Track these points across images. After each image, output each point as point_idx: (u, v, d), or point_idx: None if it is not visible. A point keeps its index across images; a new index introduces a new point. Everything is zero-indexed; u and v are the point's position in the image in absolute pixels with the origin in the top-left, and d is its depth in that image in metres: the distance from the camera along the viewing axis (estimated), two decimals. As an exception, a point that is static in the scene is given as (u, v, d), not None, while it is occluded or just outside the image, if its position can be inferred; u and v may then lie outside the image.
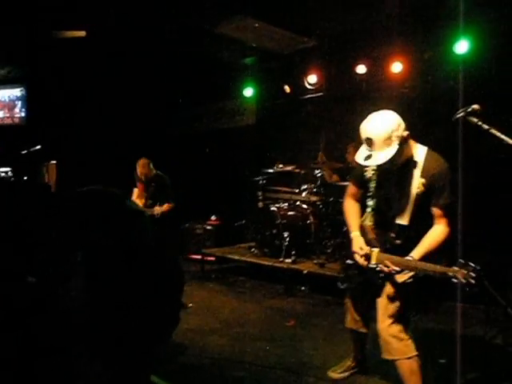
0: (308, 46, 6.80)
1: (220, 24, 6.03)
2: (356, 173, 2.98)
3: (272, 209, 6.02)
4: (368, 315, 3.01)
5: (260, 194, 6.58)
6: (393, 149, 2.51)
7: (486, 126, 2.31)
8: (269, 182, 6.68)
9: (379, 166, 2.67)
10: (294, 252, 5.69)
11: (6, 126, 9.19)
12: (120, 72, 7.13)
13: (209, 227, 7.33)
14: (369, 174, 2.82)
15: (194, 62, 7.30)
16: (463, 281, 2.16)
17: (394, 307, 2.65)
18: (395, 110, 6.24)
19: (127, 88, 7.66)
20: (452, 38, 5.53)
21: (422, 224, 2.63)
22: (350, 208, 2.95)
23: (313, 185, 6.02)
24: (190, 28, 5.93)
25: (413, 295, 2.73)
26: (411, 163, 2.63)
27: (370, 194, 2.83)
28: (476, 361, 3.79)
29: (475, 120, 2.35)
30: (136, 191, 5.67)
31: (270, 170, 6.50)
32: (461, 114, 2.38)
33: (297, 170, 6.33)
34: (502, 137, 2.25)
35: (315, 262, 5.50)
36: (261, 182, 6.58)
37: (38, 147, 6.21)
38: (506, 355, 3.83)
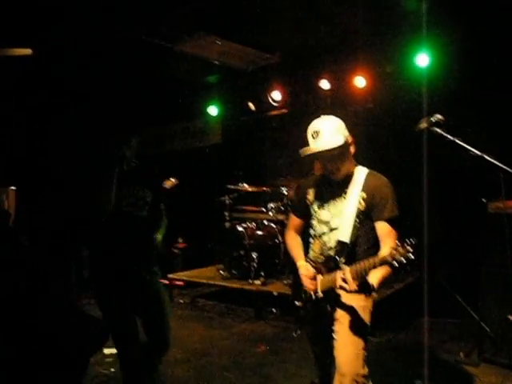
0: (271, 63, 6.72)
1: (180, 42, 5.88)
2: (297, 200, 2.86)
3: (239, 229, 5.84)
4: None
5: (227, 214, 6.40)
6: (340, 140, 2.42)
7: (450, 137, 2.21)
8: (235, 201, 6.51)
9: (321, 177, 2.65)
10: (263, 273, 5.51)
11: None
12: (78, 92, 6.89)
13: (176, 250, 7.08)
14: (310, 196, 2.69)
15: (157, 81, 7.13)
16: (403, 260, 2.00)
17: (355, 335, 2.44)
18: (361, 124, 6.26)
19: (86, 108, 7.40)
20: (413, 52, 5.54)
21: (364, 242, 2.50)
22: (292, 240, 2.82)
23: (279, 203, 5.88)
24: (149, 46, 5.76)
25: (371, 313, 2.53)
26: (352, 179, 2.53)
27: (312, 218, 2.67)
28: (453, 380, 3.68)
29: (439, 131, 2.25)
30: None
31: (237, 189, 6.33)
32: (423, 125, 2.28)
33: (263, 189, 6.18)
34: (468, 147, 2.15)
35: (285, 282, 5.31)
36: (227, 201, 6.40)
37: None
38: (482, 372, 3.71)
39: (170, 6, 5.02)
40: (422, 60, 5.48)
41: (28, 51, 3.68)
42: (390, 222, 2.43)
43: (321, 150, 2.41)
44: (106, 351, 4.29)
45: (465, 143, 2.21)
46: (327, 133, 2.42)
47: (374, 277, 2.31)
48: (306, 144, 2.51)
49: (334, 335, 2.49)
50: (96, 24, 4.53)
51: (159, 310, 3.12)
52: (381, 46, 5.79)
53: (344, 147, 2.45)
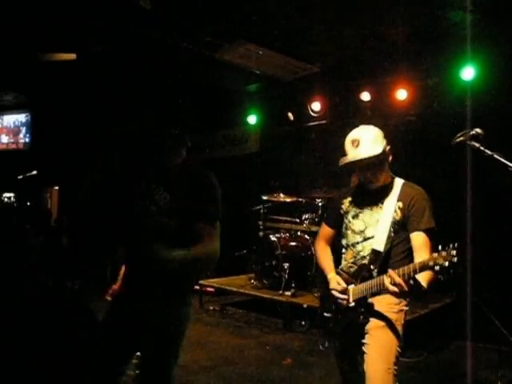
0: (312, 73, 6.69)
1: (221, 50, 5.95)
2: (331, 209, 2.84)
3: (272, 239, 5.80)
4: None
5: (261, 223, 6.37)
6: (379, 149, 2.39)
7: (488, 152, 2.10)
8: (270, 210, 6.48)
9: (357, 189, 2.60)
10: (293, 284, 5.43)
11: (11, 151, 9.19)
12: (121, 98, 7.08)
13: (209, 257, 7.10)
14: (345, 206, 2.65)
15: (197, 90, 7.21)
16: (446, 264, 1.92)
17: (386, 349, 2.37)
18: (401, 138, 6.12)
19: (129, 115, 7.58)
20: (458, 64, 5.40)
21: (398, 253, 2.42)
22: (322, 251, 2.77)
23: (314, 214, 5.80)
24: (191, 54, 5.85)
25: (405, 327, 2.43)
26: (388, 189, 2.50)
27: (346, 228, 2.62)
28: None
29: (477, 145, 2.14)
30: None
31: (272, 199, 6.30)
32: (460, 139, 2.18)
33: (299, 200, 6.12)
34: (507, 163, 2.04)
35: (316, 295, 5.22)
36: (262, 210, 6.38)
37: (34, 172, 6.12)
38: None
39: (211, 15, 5.10)
40: (468, 73, 5.32)
41: (72, 56, 3.81)
42: (427, 233, 2.35)
43: (361, 158, 2.39)
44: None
45: (505, 159, 2.11)
46: (367, 141, 2.41)
47: (422, 278, 2.21)
48: (344, 154, 2.49)
49: (364, 349, 2.42)
50: (139, 33, 4.64)
51: (157, 356, 2.15)
52: (424, 59, 5.66)
53: (383, 156, 2.43)
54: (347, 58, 6.13)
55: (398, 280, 2.13)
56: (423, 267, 2.04)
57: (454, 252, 1.93)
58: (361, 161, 2.40)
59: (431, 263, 1.99)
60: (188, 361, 4.22)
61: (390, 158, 2.51)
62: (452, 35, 5.11)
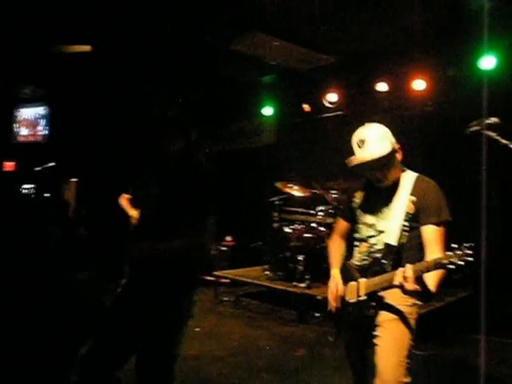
0: (328, 64, 6.62)
1: (236, 41, 5.92)
2: (344, 205, 2.82)
3: (286, 230, 5.80)
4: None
5: (276, 214, 6.36)
6: (386, 148, 2.35)
7: (504, 141, 2.06)
8: (285, 202, 6.47)
9: (369, 184, 2.54)
10: (308, 276, 5.42)
11: (30, 143, 9.32)
12: (138, 91, 7.12)
13: (224, 248, 7.13)
14: (357, 200, 2.62)
15: (212, 81, 7.22)
16: (461, 263, 1.90)
17: (398, 342, 2.35)
18: (418, 129, 6.03)
19: (145, 108, 7.62)
20: (477, 54, 5.27)
21: (412, 248, 2.39)
22: (334, 246, 2.76)
23: (329, 206, 5.77)
24: (205, 45, 5.84)
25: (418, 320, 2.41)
26: (400, 184, 2.46)
27: (358, 222, 2.60)
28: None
29: (492, 134, 2.10)
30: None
31: (287, 190, 6.28)
32: (475, 128, 2.14)
33: (313, 191, 6.09)
34: (523, 153, 1.99)
35: (330, 288, 5.20)
36: (277, 202, 6.36)
37: (52, 164, 6.19)
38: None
39: (226, 6, 5.07)
40: (488, 62, 5.19)
41: (87, 48, 3.84)
42: (440, 226, 2.32)
43: (368, 159, 2.35)
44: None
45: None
46: (373, 141, 2.37)
47: (430, 281, 2.20)
48: (352, 153, 2.46)
49: (375, 341, 2.40)
50: (153, 24, 4.65)
51: (154, 348, 2.20)
52: (442, 48, 5.55)
53: (391, 155, 2.39)
54: (363, 48, 6.04)
55: (410, 275, 2.10)
56: (437, 265, 2.01)
57: (470, 251, 1.90)
58: (368, 162, 2.36)
59: (445, 261, 1.96)
60: (201, 351, 4.27)
61: (399, 154, 2.46)
62: (471, 24, 4.98)
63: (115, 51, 5.12)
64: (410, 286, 2.12)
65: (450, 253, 1.96)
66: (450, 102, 5.66)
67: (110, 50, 4.67)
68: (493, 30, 4.72)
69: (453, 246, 1.97)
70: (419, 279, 2.13)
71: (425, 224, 2.35)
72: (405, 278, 2.14)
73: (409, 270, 2.12)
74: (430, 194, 2.38)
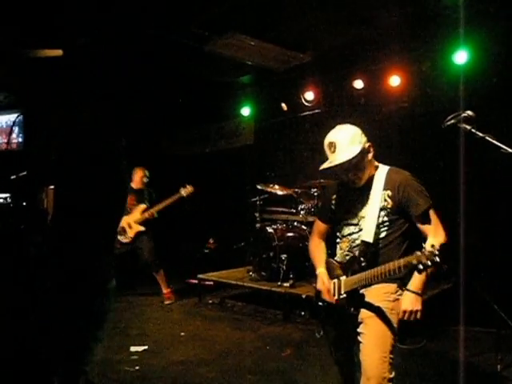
0: (304, 63, 6.63)
1: (212, 42, 5.88)
2: (322, 206, 2.87)
3: (269, 230, 5.78)
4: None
5: (257, 215, 6.34)
6: (356, 148, 2.39)
7: (480, 134, 2.08)
8: (267, 202, 6.45)
9: (342, 184, 2.58)
10: (292, 275, 5.41)
11: (3, 151, 9.11)
12: (115, 95, 7.02)
13: (207, 250, 7.09)
14: (335, 200, 2.65)
15: (189, 82, 7.17)
16: (429, 263, 1.94)
17: (381, 338, 2.37)
18: (396, 125, 6.07)
19: (124, 110, 7.53)
20: (451, 49, 5.35)
21: (390, 243, 2.43)
22: (315, 246, 2.78)
23: (310, 204, 5.77)
24: (181, 46, 5.79)
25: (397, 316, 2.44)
26: (374, 180, 2.49)
27: (338, 221, 2.63)
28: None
29: (468, 127, 2.12)
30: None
31: (268, 190, 6.26)
32: (451, 121, 2.15)
33: (294, 190, 6.08)
34: (499, 144, 2.01)
35: (314, 285, 5.18)
36: (258, 202, 6.35)
37: (24, 173, 6.05)
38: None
39: (201, 6, 5.03)
40: (460, 57, 5.27)
41: (59, 52, 3.73)
42: (429, 210, 2.37)
43: (336, 163, 2.40)
44: (132, 349, 4.33)
45: (498, 141, 2.08)
46: (342, 145, 2.40)
47: (416, 283, 2.33)
48: (325, 156, 2.49)
49: (359, 338, 2.43)
50: (127, 25, 4.59)
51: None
52: (416, 44, 5.61)
53: (361, 155, 2.43)
54: (339, 45, 6.06)
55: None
56: (407, 265, 2.07)
57: (437, 252, 1.94)
58: (337, 166, 2.40)
59: (415, 262, 2.00)
60: (187, 355, 4.23)
61: (371, 154, 2.49)
62: (444, 19, 5.05)
63: (88, 54, 5.02)
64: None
65: (418, 253, 1.99)
66: (426, 97, 5.73)
67: (82, 53, 4.57)
68: (465, 25, 4.81)
69: (423, 245, 2.02)
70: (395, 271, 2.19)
71: (416, 214, 2.38)
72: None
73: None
74: (407, 186, 2.41)
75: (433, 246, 1.98)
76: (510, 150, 1.97)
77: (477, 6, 4.69)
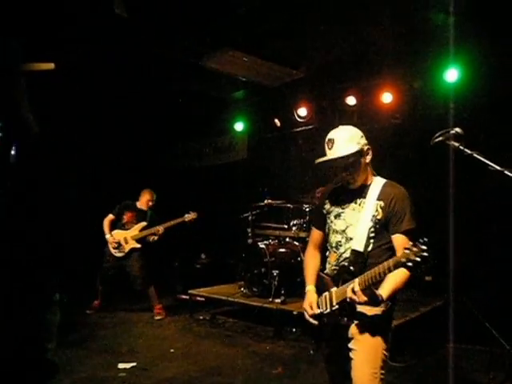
0: (297, 79, 6.69)
1: (206, 57, 5.92)
2: (316, 212, 2.83)
3: (260, 246, 5.75)
4: None
5: (249, 230, 6.32)
6: (353, 147, 2.39)
7: (468, 151, 2.09)
8: (258, 217, 6.43)
9: (336, 187, 2.59)
10: (283, 291, 5.37)
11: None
12: (107, 108, 7.02)
13: (198, 266, 7.04)
14: (327, 206, 2.63)
15: (182, 98, 7.20)
16: (417, 259, 1.93)
17: (372, 354, 2.34)
18: (388, 141, 6.09)
19: (117, 125, 7.54)
20: (442, 67, 5.41)
21: (380, 253, 2.40)
22: (309, 259, 2.74)
23: (302, 220, 5.76)
24: (174, 62, 5.83)
25: (389, 327, 2.43)
26: (369, 188, 2.48)
27: (329, 228, 2.60)
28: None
29: (456, 144, 2.13)
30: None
31: (259, 205, 6.26)
32: (439, 138, 2.16)
33: (287, 205, 6.08)
34: (487, 162, 2.02)
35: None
36: (250, 217, 6.33)
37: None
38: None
39: (195, 23, 5.07)
40: (451, 75, 5.34)
41: (51, 66, 3.73)
42: (408, 234, 2.34)
43: (334, 157, 2.39)
44: (121, 366, 4.25)
45: (486, 159, 2.08)
46: (341, 141, 2.41)
47: (385, 287, 2.25)
48: (324, 155, 2.49)
49: (350, 354, 2.40)
50: (122, 40, 4.61)
51: None
52: (408, 62, 5.68)
53: (358, 155, 2.42)
54: (332, 62, 6.13)
55: (357, 289, 2.19)
56: (396, 264, 2.04)
57: (425, 247, 1.93)
58: (334, 160, 2.40)
59: (403, 260, 1.98)
60: (177, 372, 4.17)
61: (369, 157, 2.48)
62: (435, 37, 5.13)
63: (80, 68, 5.04)
64: (360, 298, 2.18)
65: (406, 251, 1.98)
66: (417, 113, 5.78)
67: (75, 68, 4.59)
68: (456, 44, 4.87)
69: (410, 244, 2.01)
70: (368, 289, 2.18)
71: (394, 233, 2.37)
72: (354, 292, 2.20)
73: (356, 284, 2.20)
74: (399, 201, 2.39)
75: (418, 242, 1.97)
76: (497, 168, 1.98)
77: (466, 25, 4.76)
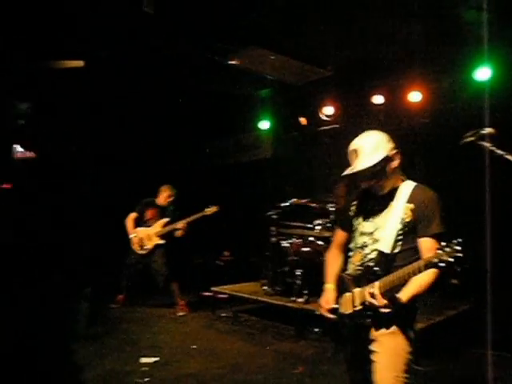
0: (323, 77, 6.62)
1: (232, 55, 5.92)
2: (341, 214, 2.79)
3: (284, 245, 5.73)
4: None
5: (273, 229, 6.29)
6: (379, 156, 2.33)
7: (499, 151, 2.02)
8: (282, 216, 6.40)
9: (363, 192, 2.53)
10: (306, 291, 5.34)
11: (26, 159, 9.27)
12: (132, 106, 7.10)
13: (221, 263, 7.06)
14: (354, 208, 2.59)
15: (208, 95, 7.22)
16: (450, 260, 1.87)
17: (395, 356, 2.30)
18: (415, 141, 5.98)
19: (142, 123, 7.62)
20: (473, 65, 5.27)
21: (406, 257, 2.34)
22: (331, 258, 2.72)
23: (327, 220, 5.71)
24: (201, 60, 5.84)
25: (413, 330, 2.36)
26: (398, 192, 2.42)
27: (355, 230, 2.56)
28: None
29: (487, 145, 2.06)
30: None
31: (284, 204, 6.22)
32: (470, 138, 2.10)
33: (311, 205, 6.03)
34: (518, 163, 1.95)
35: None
36: (274, 216, 6.30)
37: None
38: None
39: (222, 20, 5.08)
40: (483, 73, 5.18)
41: (80, 63, 3.81)
42: (436, 238, 2.27)
43: (359, 169, 2.35)
44: (143, 360, 4.30)
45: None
46: (365, 152, 2.35)
47: (407, 290, 2.21)
48: (349, 164, 2.44)
49: (372, 357, 2.35)
50: (148, 38, 4.65)
51: None
52: (438, 60, 5.55)
53: (385, 162, 2.36)
54: (359, 60, 6.05)
55: (376, 292, 2.17)
56: (428, 265, 1.99)
57: (459, 247, 1.87)
58: (358, 172, 2.35)
59: (436, 260, 1.93)
60: (199, 368, 4.19)
61: (397, 161, 2.42)
62: (466, 35, 4.99)
63: (108, 66, 5.11)
64: (379, 302, 2.16)
65: (439, 251, 1.93)
66: (447, 113, 5.64)
67: (104, 65, 4.67)
68: (488, 42, 4.73)
69: (442, 243, 1.96)
70: (389, 292, 2.16)
71: (421, 236, 2.31)
72: (372, 295, 2.17)
73: (375, 287, 2.18)
74: (429, 204, 2.34)
75: (448, 244, 1.92)
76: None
77: (500, 22, 4.62)
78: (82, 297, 5.39)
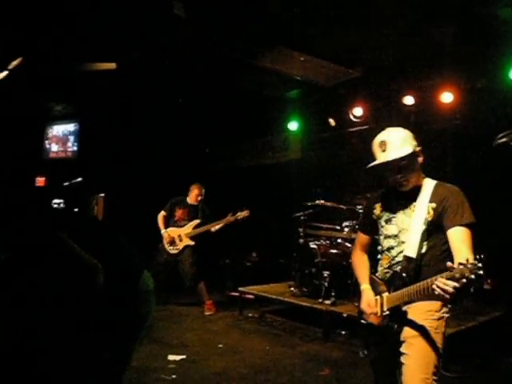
0: (353, 78, 6.57)
1: (261, 56, 5.94)
2: (364, 217, 2.79)
3: (312, 246, 5.71)
4: None
5: (301, 230, 6.28)
6: (407, 150, 2.34)
7: (533, 153, 1.97)
8: (311, 217, 6.38)
9: (386, 193, 2.55)
10: (333, 293, 5.31)
11: (60, 159, 9.54)
12: (164, 108, 7.22)
13: (249, 264, 7.09)
14: (377, 211, 2.58)
15: (238, 97, 7.27)
16: (472, 277, 1.83)
17: (425, 358, 2.26)
18: (447, 143, 5.86)
19: (172, 123, 7.74)
20: (507, 65, 5.13)
21: (433, 258, 2.33)
22: (358, 260, 2.73)
23: (355, 221, 5.66)
24: (230, 60, 5.89)
25: (443, 334, 2.33)
26: (420, 191, 2.41)
27: (380, 233, 2.56)
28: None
29: (521, 146, 2.01)
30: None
31: (312, 205, 6.20)
32: (503, 139, 2.06)
33: (340, 206, 5.99)
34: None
35: (357, 304, 5.05)
36: (302, 217, 6.29)
37: (79, 179, 6.32)
38: None
39: (250, 21, 5.10)
40: (518, 73, 5.05)
41: (112, 65, 3.90)
42: (466, 227, 2.23)
43: (389, 159, 2.33)
44: (170, 357, 4.36)
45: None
46: (395, 143, 2.36)
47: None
48: (374, 159, 2.44)
49: (401, 359, 2.33)
50: (178, 40, 4.71)
51: None
52: (471, 60, 5.42)
53: (412, 157, 2.37)
54: (389, 61, 5.98)
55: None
56: (451, 279, 1.95)
57: (480, 265, 1.84)
58: (389, 162, 2.34)
59: (458, 275, 1.90)
60: (225, 367, 4.22)
61: (421, 159, 2.42)
62: (501, 34, 4.88)
63: (140, 68, 5.21)
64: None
65: (461, 267, 1.89)
66: (479, 114, 5.52)
67: (135, 67, 4.76)
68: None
69: (465, 260, 1.91)
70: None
71: (449, 227, 2.27)
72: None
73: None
74: (451, 198, 2.31)
75: (475, 258, 1.87)
76: None
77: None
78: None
